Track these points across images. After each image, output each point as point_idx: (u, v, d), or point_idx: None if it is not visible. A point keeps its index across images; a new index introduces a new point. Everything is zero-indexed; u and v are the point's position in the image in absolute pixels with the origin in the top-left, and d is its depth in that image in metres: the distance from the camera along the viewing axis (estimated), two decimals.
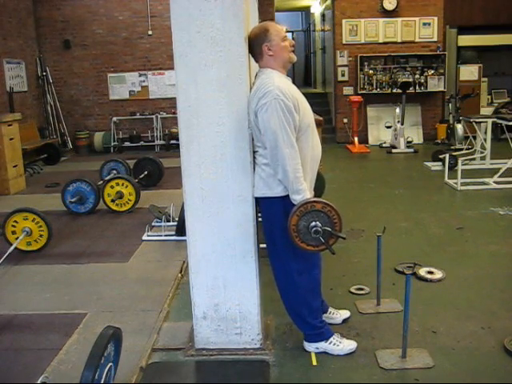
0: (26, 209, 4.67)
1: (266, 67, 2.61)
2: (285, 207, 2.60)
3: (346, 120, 10.45)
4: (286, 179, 2.50)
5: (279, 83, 2.51)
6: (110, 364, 2.32)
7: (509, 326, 3.03)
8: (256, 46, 2.60)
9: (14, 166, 7.30)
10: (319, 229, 2.47)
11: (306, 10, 16.14)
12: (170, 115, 10.69)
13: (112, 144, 10.83)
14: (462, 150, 8.39)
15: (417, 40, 10.34)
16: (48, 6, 10.56)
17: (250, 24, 2.69)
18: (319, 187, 2.58)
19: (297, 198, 2.49)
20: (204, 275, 2.79)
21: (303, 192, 2.50)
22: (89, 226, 5.47)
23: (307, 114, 2.63)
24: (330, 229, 2.48)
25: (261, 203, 2.70)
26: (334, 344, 2.80)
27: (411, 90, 9.87)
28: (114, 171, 7.09)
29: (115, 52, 10.71)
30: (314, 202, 2.48)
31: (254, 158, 2.67)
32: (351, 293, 3.56)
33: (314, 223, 2.48)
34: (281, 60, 2.61)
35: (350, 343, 2.83)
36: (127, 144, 10.78)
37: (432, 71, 10.30)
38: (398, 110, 9.72)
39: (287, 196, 2.58)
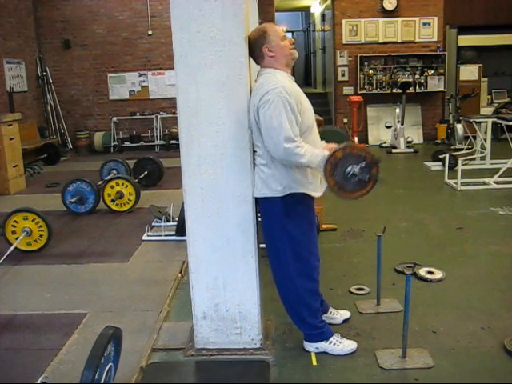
0: (25, 209, 4.67)
1: (267, 67, 2.61)
2: (285, 207, 2.60)
3: (345, 120, 10.44)
4: (303, 167, 2.50)
5: (283, 82, 2.52)
6: (110, 364, 2.32)
7: (509, 326, 3.03)
8: (256, 48, 2.60)
9: (14, 166, 7.30)
10: (356, 170, 2.45)
11: (305, 10, 16.13)
12: (170, 115, 10.69)
13: (112, 144, 10.83)
14: (462, 150, 8.39)
15: (417, 40, 10.34)
16: (48, 6, 10.56)
17: (249, 24, 2.69)
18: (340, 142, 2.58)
19: (322, 165, 2.48)
20: (204, 275, 2.79)
21: (320, 157, 2.47)
22: (89, 226, 5.47)
23: (309, 115, 2.63)
24: (363, 164, 2.45)
25: (261, 203, 2.70)
26: (334, 344, 2.80)
27: (411, 89, 9.88)
28: (114, 171, 7.09)
29: (115, 52, 10.71)
30: (333, 154, 2.45)
31: (254, 158, 2.67)
32: (351, 293, 3.56)
33: (348, 169, 2.45)
34: (283, 59, 2.61)
35: (350, 343, 2.83)
36: (127, 144, 10.78)
37: (432, 71, 10.30)
38: (398, 110, 9.72)
39: (287, 196, 2.58)
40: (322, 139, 2.78)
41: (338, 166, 2.45)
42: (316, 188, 2.69)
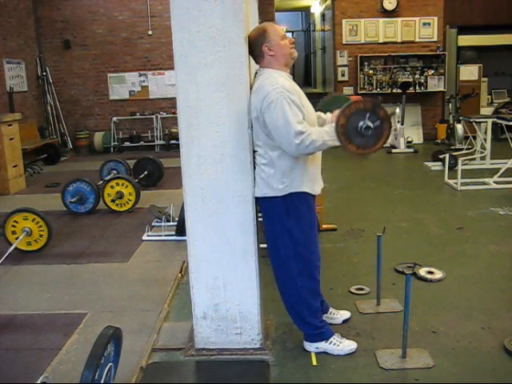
0: (25, 209, 4.67)
1: (267, 67, 2.62)
2: (286, 206, 2.61)
3: None
4: (318, 146, 2.50)
5: (282, 82, 2.53)
6: (110, 364, 2.32)
7: (509, 326, 3.03)
8: (256, 47, 2.61)
9: (14, 166, 7.30)
10: (367, 123, 2.43)
11: (306, 10, 16.14)
12: (170, 115, 10.69)
13: (112, 144, 10.82)
14: (462, 150, 8.39)
15: (417, 40, 10.34)
16: (48, 6, 10.55)
17: (250, 24, 2.69)
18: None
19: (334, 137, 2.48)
20: (204, 275, 2.79)
21: (331, 131, 2.48)
22: (89, 226, 5.47)
23: (309, 113, 2.64)
24: (368, 114, 2.44)
25: (261, 203, 2.70)
26: (335, 344, 2.80)
27: (411, 89, 9.87)
28: (114, 171, 7.09)
29: (115, 52, 10.71)
30: (338, 122, 2.44)
31: (254, 157, 2.67)
32: (351, 293, 3.56)
33: (360, 126, 2.44)
34: (282, 58, 2.61)
35: (351, 343, 2.83)
36: (127, 144, 10.78)
37: (432, 71, 10.30)
38: (398, 109, 9.72)
39: (288, 195, 2.59)
40: (325, 111, 2.81)
41: (348, 130, 2.45)
42: (316, 186, 2.70)
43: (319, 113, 2.83)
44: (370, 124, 2.44)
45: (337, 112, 2.53)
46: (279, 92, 2.46)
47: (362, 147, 2.48)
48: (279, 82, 2.51)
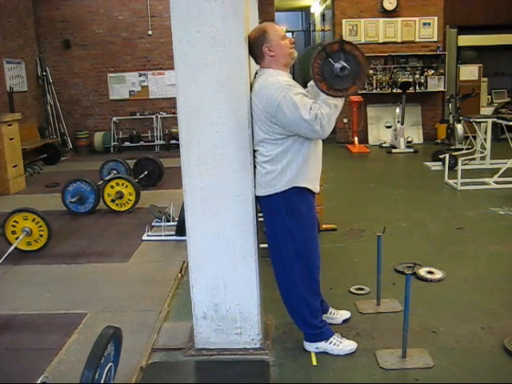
0: (25, 209, 4.67)
1: (268, 67, 2.62)
2: (286, 205, 2.61)
3: (345, 120, 10.43)
4: (333, 116, 2.50)
5: (283, 79, 2.54)
6: (110, 364, 2.32)
7: (509, 326, 3.03)
8: (256, 48, 2.61)
9: (14, 166, 7.30)
10: (342, 64, 2.40)
11: (306, 10, 16.12)
12: (170, 115, 10.69)
13: (112, 144, 10.83)
14: (461, 150, 8.39)
15: (417, 40, 10.33)
16: (48, 6, 10.56)
17: (250, 24, 2.69)
18: None
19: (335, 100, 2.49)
20: (204, 275, 2.78)
21: (335, 100, 2.49)
22: (89, 226, 5.47)
23: None
24: (342, 55, 2.41)
25: (262, 202, 2.70)
26: (335, 344, 2.80)
27: (411, 89, 9.86)
28: (114, 171, 7.09)
29: (115, 52, 10.71)
30: (313, 72, 2.42)
31: (254, 157, 2.67)
32: (351, 293, 3.56)
33: (336, 68, 2.41)
34: (283, 59, 2.62)
35: (351, 343, 2.83)
36: (127, 144, 10.78)
37: (432, 71, 10.29)
38: (398, 109, 9.72)
39: (289, 190, 2.59)
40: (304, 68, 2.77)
41: (325, 76, 2.43)
42: (317, 184, 2.71)
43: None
44: (346, 63, 2.41)
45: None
46: (280, 87, 2.47)
47: (345, 89, 2.45)
48: (280, 81, 2.52)
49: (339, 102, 2.52)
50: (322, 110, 2.46)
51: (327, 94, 2.46)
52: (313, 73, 2.44)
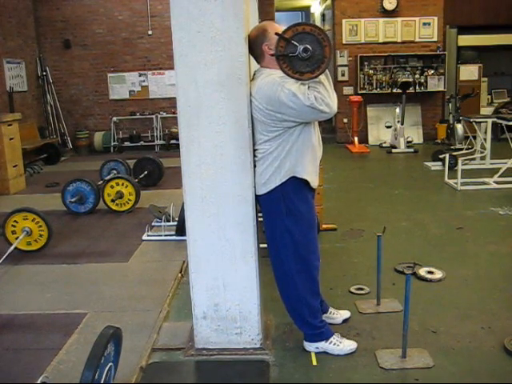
0: (25, 209, 4.67)
1: (267, 67, 2.62)
2: (285, 202, 2.61)
3: (345, 120, 10.44)
4: (328, 88, 2.50)
5: (277, 76, 2.52)
6: (110, 364, 2.32)
7: (509, 326, 3.03)
8: (256, 46, 2.61)
9: (14, 166, 7.30)
10: (305, 46, 2.39)
11: (306, 10, 16.12)
12: (170, 115, 10.69)
13: (112, 144, 10.82)
14: (462, 149, 8.39)
15: (417, 40, 10.34)
16: (48, 6, 10.56)
17: (250, 24, 2.69)
18: None
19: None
20: (204, 275, 2.79)
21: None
22: (89, 226, 5.47)
23: None
24: (307, 37, 2.41)
25: (261, 202, 2.70)
26: (334, 344, 2.80)
27: (411, 89, 9.86)
28: (114, 171, 7.09)
29: (115, 52, 10.71)
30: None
31: (255, 156, 2.67)
32: (351, 293, 3.56)
33: (300, 50, 2.41)
34: None
35: (350, 343, 2.83)
36: (127, 144, 10.77)
37: (432, 71, 10.30)
38: (398, 109, 9.72)
39: (288, 181, 2.59)
40: None
41: (290, 59, 2.42)
42: (315, 179, 2.70)
43: None
44: (309, 45, 2.40)
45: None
46: (278, 84, 2.46)
47: (308, 71, 2.44)
48: (274, 77, 2.51)
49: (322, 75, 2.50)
50: (315, 90, 2.45)
51: (297, 79, 2.45)
52: (288, 73, 2.44)
